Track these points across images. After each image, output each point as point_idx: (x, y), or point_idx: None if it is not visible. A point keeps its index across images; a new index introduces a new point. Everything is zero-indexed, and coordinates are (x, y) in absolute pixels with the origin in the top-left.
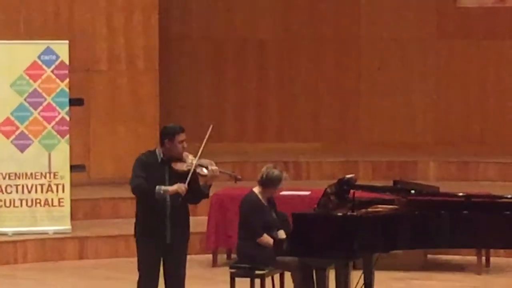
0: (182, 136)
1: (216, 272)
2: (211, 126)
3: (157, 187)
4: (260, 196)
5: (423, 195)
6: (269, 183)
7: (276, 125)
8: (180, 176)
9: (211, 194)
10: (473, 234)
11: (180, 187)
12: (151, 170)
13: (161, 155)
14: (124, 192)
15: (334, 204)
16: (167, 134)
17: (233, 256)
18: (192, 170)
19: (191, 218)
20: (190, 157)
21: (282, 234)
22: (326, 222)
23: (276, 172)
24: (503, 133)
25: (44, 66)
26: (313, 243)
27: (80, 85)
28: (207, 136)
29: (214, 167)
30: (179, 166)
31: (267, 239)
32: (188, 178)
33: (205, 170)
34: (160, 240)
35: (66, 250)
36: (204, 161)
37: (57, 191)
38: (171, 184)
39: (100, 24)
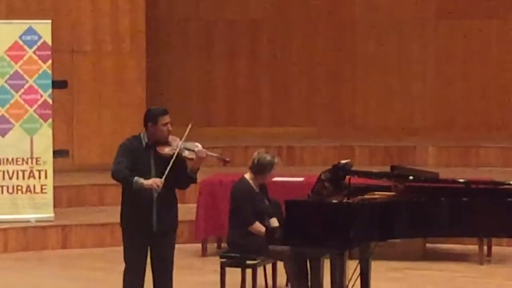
0: (166, 119)
1: (205, 261)
2: (190, 124)
3: (135, 178)
4: (251, 183)
5: (421, 182)
6: (260, 169)
7: (269, 109)
8: (165, 160)
9: (200, 180)
10: (474, 222)
11: (155, 181)
12: (136, 156)
13: (146, 140)
14: (110, 179)
15: (329, 191)
16: (150, 118)
17: (224, 245)
18: (175, 154)
19: (179, 205)
20: (177, 140)
21: (274, 222)
22: (321, 209)
23: (268, 157)
24: (506, 117)
25: (25, 47)
26: (306, 232)
27: (63, 67)
28: (186, 133)
29: (201, 149)
30: (164, 150)
31: (259, 227)
32: (171, 163)
33: (191, 153)
34: (146, 228)
35: (49, 239)
36: (190, 144)
37: (39, 177)
38: (157, 168)
39: (85, 3)
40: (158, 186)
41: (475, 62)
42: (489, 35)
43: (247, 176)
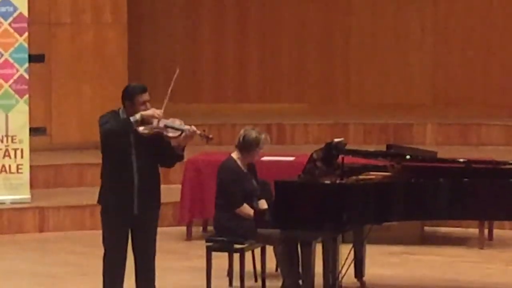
0: (144, 97)
1: (190, 246)
2: (177, 70)
3: (132, 118)
4: (239, 162)
5: (419, 161)
6: (246, 146)
7: (258, 84)
8: (144, 140)
9: (185, 159)
10: (474, 204)
11: (155, 111)
12: None
13: (124, 116)
14: (90, 158)
15: (321, 171)
16: (127, 96)
17: (210, 228)
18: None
19: (163, 186)
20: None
21: (263, 204)
22: (312, 190)
23: (253, 134)
24: (508, 93)
25: (0, 19)
26: (297, 214)
27: (40, 40)
28: (173, 80)
29: (188, 127)
30: (144, 129)
31: (247, 209)
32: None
33: (174, 132)
34: (127, 210)
35: (25, 221)
36: (171, 122)
37: (15, 156)
38: (137, 150)
39: None
40: (158, 114)
41: (477, 33)
42: (491, 9)
43: (234, 155)
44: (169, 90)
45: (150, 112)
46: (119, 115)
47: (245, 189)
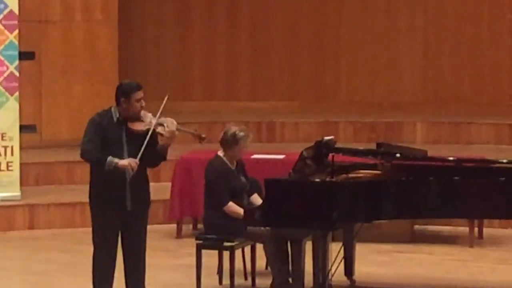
0: (139, 94)
1: (180, 243)
2: (166, 96)
3: (109, 158)
4: (225, 160)
5: (409, 159)
6: (226, 143)
7: (248, 82)
8: (138, 137)
9: (175, 157)
10: (464, 202)
11: (130, 162)
12: (107, 132)
13: (117, 115)
14: None
15: (312, 169)
16: (122, 93)
17: (200, 226)
18: (150, 131)
19: (153, 184)
20: (149, 116)
21: (257, 198)
22: (302, 189)
23: (232, 129)
24: (498, 92)
25: None
26: (287, 212)
27: (31, 37)
28: (162, 106)
29: (172, 124)
30: (137, 126)
31: (234, 208)
32: (145, 142)
33: (165, 129)
34: (120, 208)
35: (15, 219)
36: (163, 119)
37: (5, 154)
38: (129, 145)
39: None
40: (133, 167)
41: (467, 32)
42: (481, 7)
43: (221, 153)
44: (158, 114)
45: (125, 162)
46: (112, 114)
47: (232, 186)
